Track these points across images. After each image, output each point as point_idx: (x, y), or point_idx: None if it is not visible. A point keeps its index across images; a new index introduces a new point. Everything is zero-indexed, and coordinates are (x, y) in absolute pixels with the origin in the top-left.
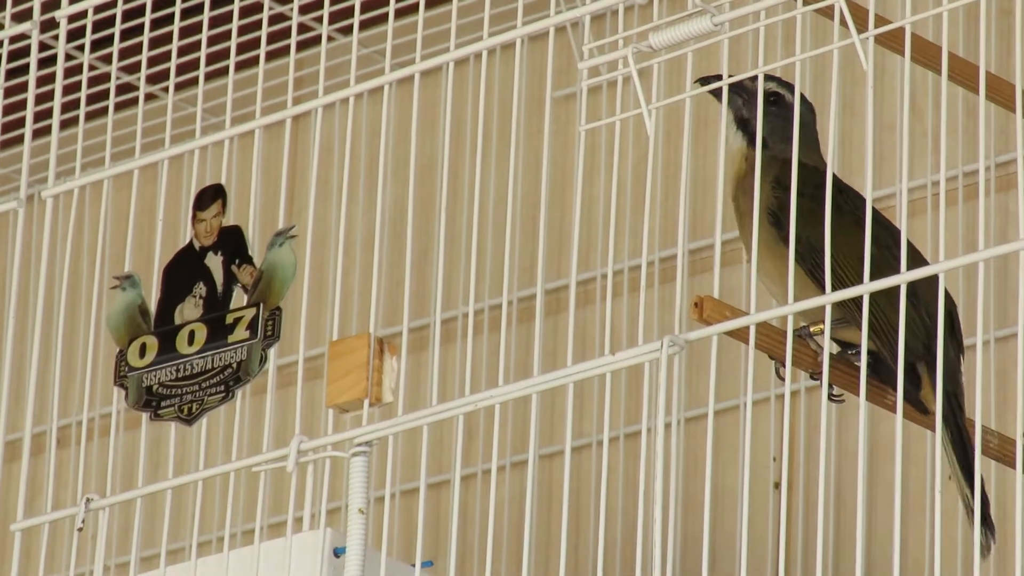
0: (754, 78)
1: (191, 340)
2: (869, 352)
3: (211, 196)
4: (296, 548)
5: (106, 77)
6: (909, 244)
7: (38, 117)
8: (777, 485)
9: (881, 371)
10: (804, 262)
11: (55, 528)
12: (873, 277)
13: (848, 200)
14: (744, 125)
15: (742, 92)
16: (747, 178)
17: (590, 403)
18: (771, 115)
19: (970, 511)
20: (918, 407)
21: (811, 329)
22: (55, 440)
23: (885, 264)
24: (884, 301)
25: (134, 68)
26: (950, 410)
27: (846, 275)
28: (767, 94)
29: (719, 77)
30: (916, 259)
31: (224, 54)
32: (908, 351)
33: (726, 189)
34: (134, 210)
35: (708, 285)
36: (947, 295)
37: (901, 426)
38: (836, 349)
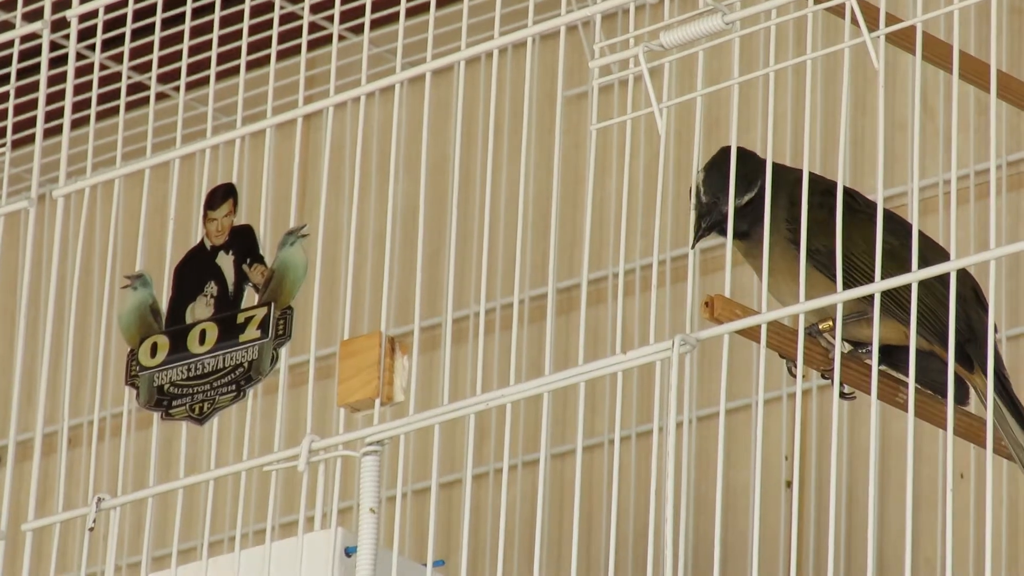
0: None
1: (202, 339)
2: (883, 348)
3: (222, 195)
4: (308, 547)
5: (117, 76)
6: (930, 239)
7: (49, 117)
8: (789, 483)
9: (900, 364)
10: (826, 268)
11: (66, 528)
12: (901, 271)
13: (858, 201)
14: (739, 232)
15: (723, 219)
16: (749, 244)
17: (602, 402)
18: (753, 211)
19: None
20: (960, 398)
21: (819, 326)
22: (67, 440)
23: (905, 253)
24: (921, 291)
25: (145, 67)
26: (1002, 386)
27: (870, 270)
28: (745, 204)
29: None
30: (937, 251)
31: (235, 53)
32: (958, 333)
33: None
34: (145, 209)
35: (719, 284)
36: (966, 271)
37: (913, 424)
38: (848, 349)
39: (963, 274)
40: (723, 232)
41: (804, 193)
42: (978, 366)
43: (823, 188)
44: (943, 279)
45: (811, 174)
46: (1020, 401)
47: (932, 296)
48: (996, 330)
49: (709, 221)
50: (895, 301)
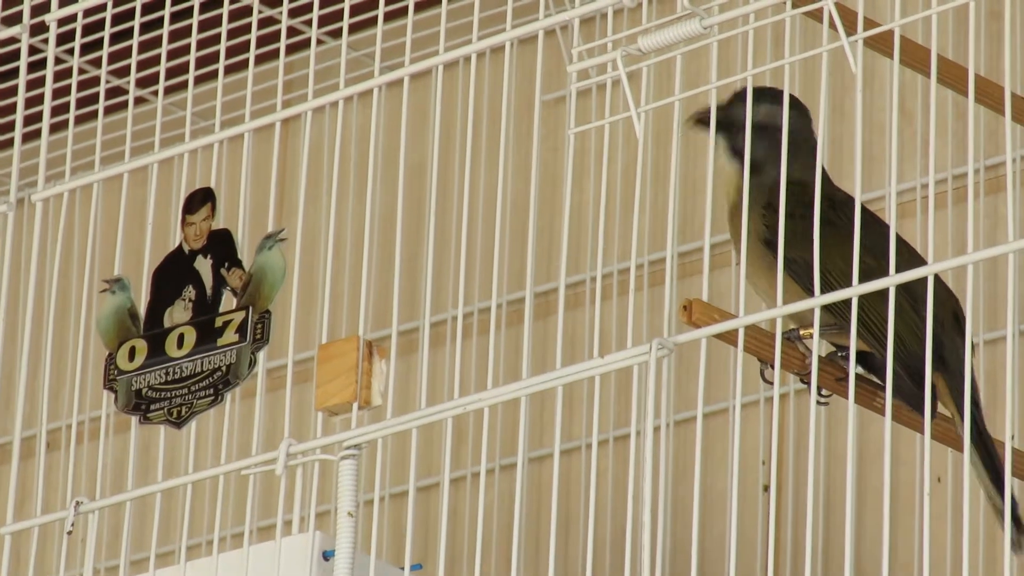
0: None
1: (180, 343)
2: (861, 353)
3: (200, 199)
4: (285, 551)
5: (96, 81)
6: (910, 248)
7: (28, 121)
8: (766, 488)
9: (878, 373)
10: (800, 279)
11: (45, 531)
12: (877, 294)
13: (841, 215)
14: (738, 154)
15: (733, 123)
16: (740, 206)
17: (579, 406)
18: (765, 139)
19: (998, 512)
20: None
21: (800, 333)
22: (45, 443)
23: (882, 274)
24: (885, 308)
25: (124, 72)
26: (976, 429)
27: (842, 288)
28: (758, 123)
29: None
30: (915, 261)
31: (214, 58)
32: (919, 359)
33: (722, 215)
34: (124, 213)
35: (697, 288)
36: (951, 293)
37: (890, 429)
38: (828, 350)
39: (945, 297)
40: (719, 130)
41: (781, 197)
42: (944, 394)
43: (808, 200)
44: (916, 306)
45: (808, 184)
46: (991, 440)
47: (902, 322)
48: (972, 350)
49: (708, 115)
50: (866, 327)
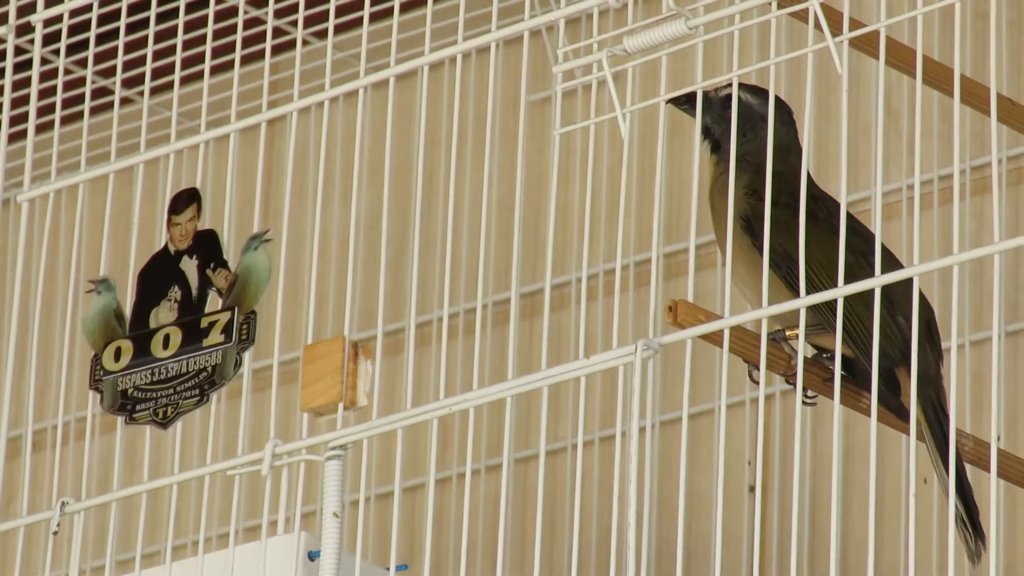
0: (719, 87)
1: (166, 344)
2: (844, 357)
3: (186, 200)
4: (271, 551)
5: (82, 81)
6: (886, 250)
7: (13, 121)
8: (752, 489)
9: (859, 376)
10: (779, 269)
11: (31, 532)
12: (848, 284)
13: (823, 208)
14: (706, 132)
15: (704, 103)
16: (720, 181)
17: (565, 407)
18: (728, 118)
19: (958, 519)
20: (897, 413)
21: (786, 334)
22: (30, 444)
23: (860, 271)
24: (861, 307)
25: (110, 72)
26: (935, 416)
27: (822, 283)
28: (723, 98)
29: (691, 94)
30: (892, 265)
31: (199, 58)
32: (886, 357)
33: (703, 193)
34: (109, 214)
35: (683, 289)
36: (926, 303)
37: (876, 430)
38: (812, 352)
39: (920, 305)
40: (703, 112)
41: (767, 196)
42: (908, 392)
43: (788, 188)
44: (892, 309)
45: (792, 174)
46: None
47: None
48: (941, 365)
49: (690, 99)
50: (843, 328)
